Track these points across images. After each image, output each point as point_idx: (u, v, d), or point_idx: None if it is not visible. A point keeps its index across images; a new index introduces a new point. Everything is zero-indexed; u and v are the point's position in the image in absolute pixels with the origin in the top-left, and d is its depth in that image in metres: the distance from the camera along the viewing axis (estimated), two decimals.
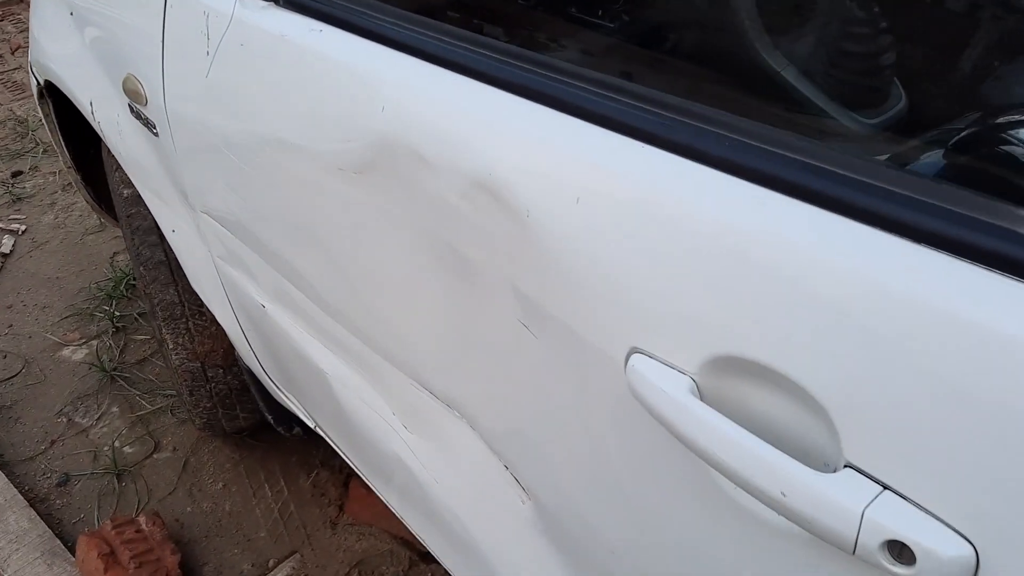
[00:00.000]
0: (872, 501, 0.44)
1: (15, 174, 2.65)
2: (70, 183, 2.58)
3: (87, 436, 1.81)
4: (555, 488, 0.77)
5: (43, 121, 1.78)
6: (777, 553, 0.52)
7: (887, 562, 0.44)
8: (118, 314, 2.10)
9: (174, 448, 1.78)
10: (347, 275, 0.91)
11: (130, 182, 1.43)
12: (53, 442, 1.80)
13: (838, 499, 0.45)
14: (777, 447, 0.49)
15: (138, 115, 1.18)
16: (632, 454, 0.62)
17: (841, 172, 0.49)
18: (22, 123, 2.89)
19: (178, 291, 1.43)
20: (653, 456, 0.60)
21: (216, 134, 0.98)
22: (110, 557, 1.46)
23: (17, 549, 1.54)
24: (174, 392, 1.88)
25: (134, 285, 2.18)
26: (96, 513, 1.65)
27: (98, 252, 2.32)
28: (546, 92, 0.62)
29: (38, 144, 2.78)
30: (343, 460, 1.69)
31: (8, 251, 2.32)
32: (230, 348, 1.47)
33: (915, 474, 0.44)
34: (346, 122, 0.78)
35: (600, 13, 0.75)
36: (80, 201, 2.51)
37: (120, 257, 2.30)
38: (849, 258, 0.46)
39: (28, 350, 2.02)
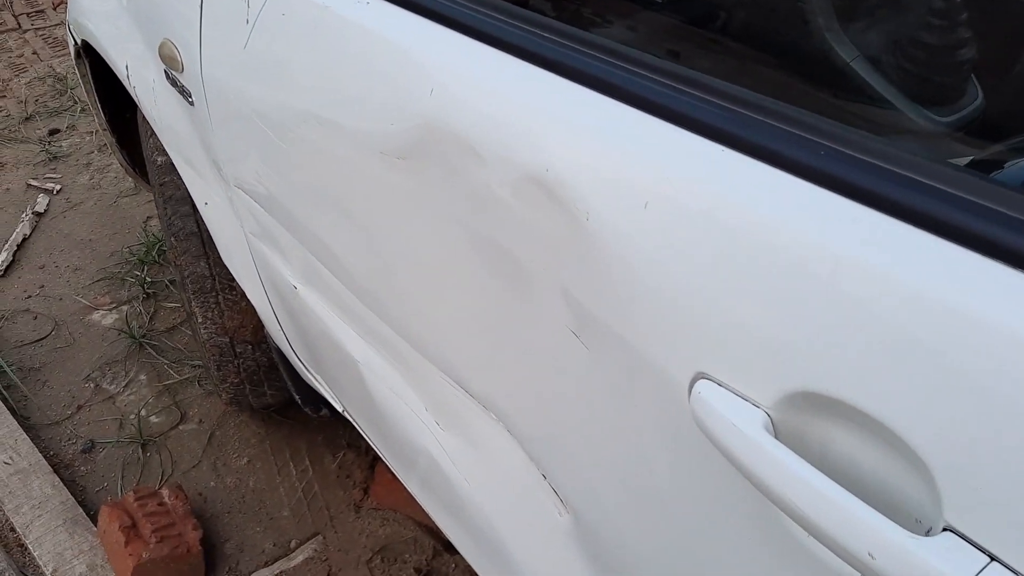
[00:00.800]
0: (979, 573, 0.39)
1: (52, 132, 2.63)
2: (106, 144, 2.55)
3: (114, 403, 1.79)
4: (597, 505, 0.72)
5: (80, 80, 1.75)
6: None
7: None
8: (149, 280, 2.07)
9: (200, 420, 1.76)
10: (382, 262, 0.86)
11: (164, 149, 1.39)
12: (80, 407, 1.78)
13: (939, 568, 0.40)
14: (862, 499, 0.43)
15: (174, 82, 1.13)
16: (688, 484, 0.57)
17: (959, 194, 0.42)
18: (61, 80, 2.87)
19: (209, 264, 1.39)
20: (713, 490, 0.54)
21: (253, 106, 0.93)
22: (131, 530, 1.43)
23: (40, 515, 1.52)
24: (202, 363, 1.85)
25: (166, 251, 2.15)
26: (120, 482, 1.64)
27: (132, 216, 2.30)
28: (617, 84, 0.56)
29: (76, 102, 2.76)
30: (369, 443, 1.66)
31: (43, 210, 2.30)
32: (260, 324, 1.43)
33: (960, 513, 0.39)
34: (390, 103, 0.72)
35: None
36: (115, 163, 2.48)
37: (153, 222, 2.27)
38: (965, 296, 0.40)
39: (58, 312, 2.00)
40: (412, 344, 0.90)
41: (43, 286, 2.08)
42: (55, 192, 2.37)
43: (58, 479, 1.59)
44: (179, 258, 1.40)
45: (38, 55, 3.02)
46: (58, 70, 2.93)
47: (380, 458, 1.60)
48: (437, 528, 1.52)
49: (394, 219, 0.79)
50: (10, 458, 1.62)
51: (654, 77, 0.56)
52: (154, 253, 2.14)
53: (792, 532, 0.49)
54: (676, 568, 0.63)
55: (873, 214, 0.45)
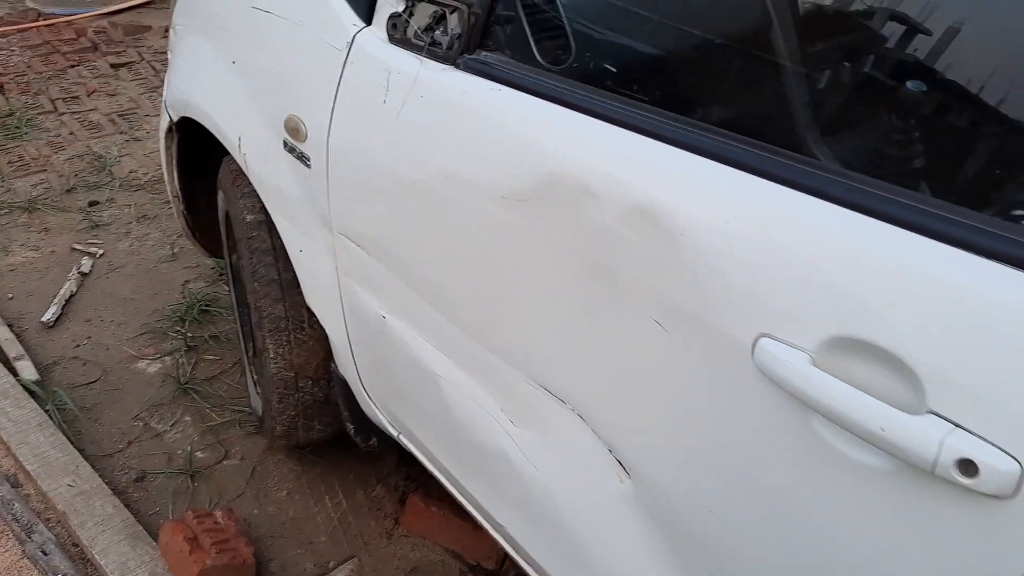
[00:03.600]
0: (949, 433, 0.64)
1: (91, 203, 2.85)
2: (145, 215, 2.79)
3: (161, 440, 1.97)
4: (656, 463, 0.95)
5: (162, 155, 2.00)
6: (870, 487, 0.71)
7: (958, 475, 0.63)
8: (190, 335, 2.27)
9: (242, 457, 1.94)
10: (485, 286, 1.11)
11: (254, 208, 1.64)
12: (130, 443, 1.96)
13: (925, 431, 0.65)
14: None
15: (292, 149, 1.39)
16: (739, 423, 0.82)
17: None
18: (99, 158, 3.11)
19: (285, 307, 1.62)
20: (763, 422, 0.79)
21: (380, 168, 1.20)
22: (193, 541, 1.61)
23: (103, 531, 1.69)
24: (243, 408, 2.05)
25: (206, 310, 2.37)
26: (171, 508, 1.81)
27: (171, 279, 2.51)
28: (685, 140, 0.84)
29: (114, 178, 3.00)
30: (398, 480, 1.86)
31: (87, 271, 2.50)
32: (322, 362, 1.66)
33: (978, 416, 0.64)
34: (516, 160, 0.99)
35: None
36: (154, 232, 2.72)
37: (191, 284, 2.49)
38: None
39: (106, 360, 2.19)
40: (500, 355, 1.14)
41: (90, 337, 2.27)
42: (98, 256, 2.58)
43: (118, 501, 1.76)
44: (259, 301, 1.63)
45: (75, 135, 3.27)
46: (95, 149, 3.18)
47: (412, 491, 1.81)
48: (464, 553, 1.72)
49: (506, 251, 1.05)
50: (73, 481, 1.79)
51: (711, 135, 0.84)
52: (195, 312, 2.35)
53: (825, 439, 0.74)
54: (734, 501, 0.86)
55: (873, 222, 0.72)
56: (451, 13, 1.11)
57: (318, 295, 1.50)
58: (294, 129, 1.37)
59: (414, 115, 1.13)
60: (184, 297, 2.43)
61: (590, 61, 1.09)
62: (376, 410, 1.53)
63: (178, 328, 2.30)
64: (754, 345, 0.77)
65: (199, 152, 1.97)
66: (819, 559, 0.79)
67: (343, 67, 1.25)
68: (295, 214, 1.46)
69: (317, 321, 1.61)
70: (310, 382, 1.68)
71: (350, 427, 1.66)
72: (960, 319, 0.65)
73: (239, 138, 1.53)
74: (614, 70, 1.07)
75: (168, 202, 2.78)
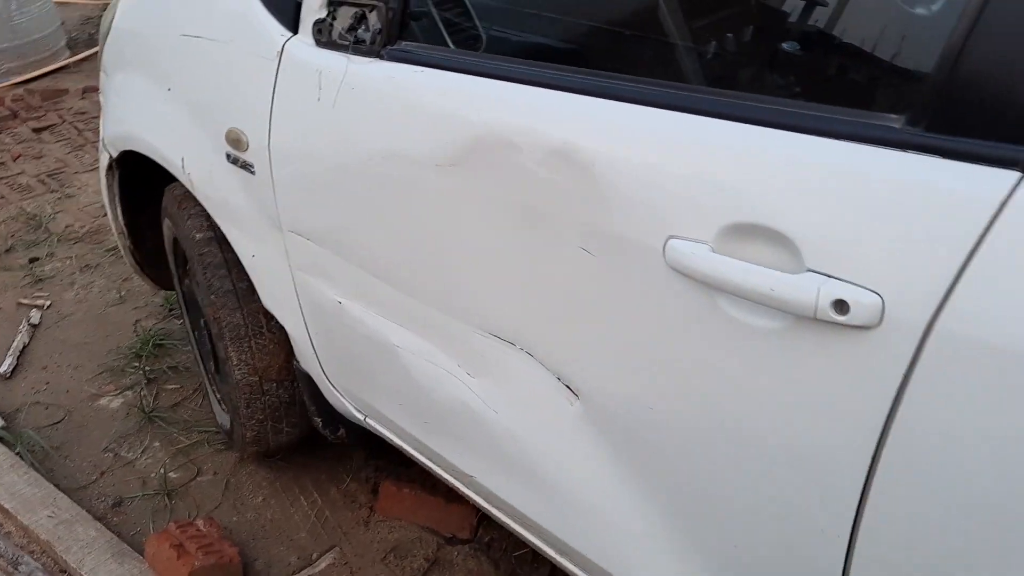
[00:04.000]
0: (823, 283, 0.78)
1: (32, 260, 2.89)
2: (87, 265, 2.84)
3: (133, 467, 2.03)
4: (599, 376, 1.08)
5: (104, 194, 2.08)
6: (768, 347, 0.85)
7: (834, 314, 0.77)
8: (148, 368, 2.34)
9: (215, 472, 2.02)
10: (431, 252, 1.23)
11: (202, 227, 1.74)
12: (103, 473, 2.02)
13: (805, 284, 0.79)
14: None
15: (235, 160, 1.50)
16: (662, 319, 0.95)
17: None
18: (33, 217, 3.15)
19: (243, 314, 1.71)
20: (679, 312, 0.92)
21: (322, 161, 1.31)
22: (180, 548, 1.68)
23: (89, 553, 1.74)
24: (209, 428, 2.12)
25: (160, 344, 2.43)
26: (151, 526, 1.87)
27: (121, 320, 2.57)
28: (584, 87, 0.99)
29: (51, 234, 3.04)
30: (368, 472, 1.95)
31: (37, 322, 2.55)
32: (283, 363, 1.75)
33: (845, 266, 0.78)
34: (444, 130, 1.12)
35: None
36: (98, 279, 2.77)
37: (142, 323, 2.55)
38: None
39: (67, 401, 2.24)
40: (451, 313, 1.26)
41: (48, 383, 2.32)
42: (46, 307, 2.63)
43: (100, 525, 1.82)
44: (218, 312, 1.72)
45: (6, 198, 3.30)
46: (28, 209, 3.21)
47: (383, 478, 1.90)
48: (439, 528, 1.82)
49: (443, 213, 1.17)
50: (52, 512, 1.84)
51: (608, 79, 0.99)
52: (149, 347, 2.41)
53: (727, 312, 0.87)
54: (660, 385, 0.99)
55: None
56: (370, 12, 1.24)
57: (275, 295, 1.60)
58: (235, 140, 1.47)
59: (348, 106, 1.25)
60: (137, 335, 2.49)
61: (495, 35, 1.23)
62: (341, 398, 1.63)
63: (135, 364, 2.36)
64: (664, 247, 0.91)
65: (140, 187, 2.06)
66: (738, 421, 0.92)
67: (276, 75, 1.37)
68: (244, 222, 1.56)
69: (275, 325, 1.71)
70: (274, 384, 1.77)
71: (318, 421, 1.76)
72: (821, 193, 0.80)
73: (182, 159, 1.63)
74: (517, 39, 1.21)
75: (110, 250, 2.86)
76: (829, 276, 0.79)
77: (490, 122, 1.07)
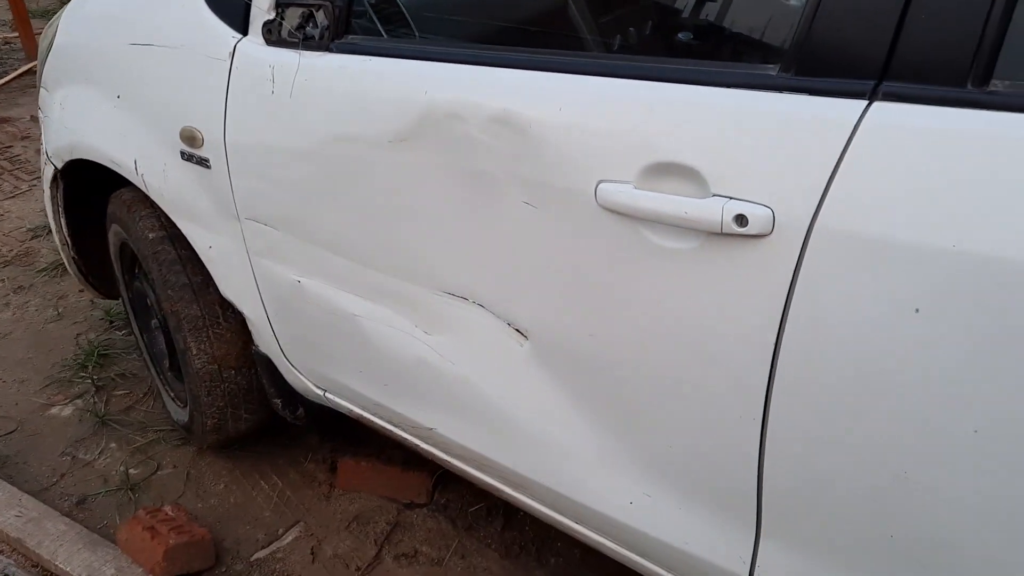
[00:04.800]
0: (726, 203, 0.96)
1: None
2: (20, 286, 2.87)
3: (92, 467, 2.10)
4: (543, 316, 1.24)
5: (47, 207, 2.15)
6: (684, 265, 1.03)
7: (736, 227, 0.96)
8: (96, 377, 2.40)
9: (174, 466, 2.10)
10: (386, 223, 1.37)
11: (154, 227, 1.84)
12: (63, 475, 2.08)
13: (712, 206, 0.97)
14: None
15: (190, 157, 1.61)
16: (595, 254, 1.12)
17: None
18: None
19: (199, 306, 1.82)
20: (609, 244, 1.09)
21: (278, 149, 1.45)
22: (152, 530, 1.77)
23: (61, 545, 1.81)
24: (164, 427, 2.20)
25: (105, 354, 2.50)
26: (118, 519, 1.94)
27: (62, 335, 2.62)
28: (517, 62, 1.16)
29: None
30: (324, 453, 2.07)
31: None
32: (241, 351, 1.86)
33: (741, 188, 0.97)
34: (393, 110, 1.27)
35: None
36: (33, 299, 2.80)
37: (83, 336, 2.60)
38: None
39: (17, 413, 2.29)
40: (408, 278, 1.40)
41: None
42: None
43: (68, 519, 1.88)
44: (175, 306, 1.82)
45: None
46: None
47: (341, 455, 2.01)
48: (397, 496, 1.95)
49: (397, 186, 1.32)
50: (19, 512, 1.90)
51: (535, 53, 1.16)
52: (94, 357, 2.47)
53: (650, 240, 1.05)
54: (601, 316, 1.16)
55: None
56: (317, 11, 1.38)
57: (233, 283, 1.71)
58: (190, 138, 1.59)
59: (302, 96, 1.39)
60: (80, 347, 2.54)
61: (432, 23, 1.40)
62: (300, 376, 1.75)
63: (82, 374, 2.42)
64: (596, 190, 1.08)
65: (82, 199, 2.14)
66: (663, 334, 1.10)
67: (229, 73, 1.50)
68: (200, 215, 1.68)
69: (231, 314, 1.83)
70: (233, 371, 1.88)
71: (277, 402, 1.87)
72: (718, 131, 0.98)
73: (135, 161, 1.73)
74: (453, 24, 1.38)
75: (41, 271, 2.91)
76: (730, 197, 0.97)
77: (435, 98, 1.23)
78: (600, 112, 1.08)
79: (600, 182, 1.08)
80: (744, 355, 1.03)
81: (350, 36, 1.37)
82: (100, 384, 2.38)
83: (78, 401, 2.33)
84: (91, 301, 2.79)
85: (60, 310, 2.74)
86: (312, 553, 1.83)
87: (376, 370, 1.56)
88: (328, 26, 1.37)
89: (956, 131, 0.85)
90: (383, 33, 1.39)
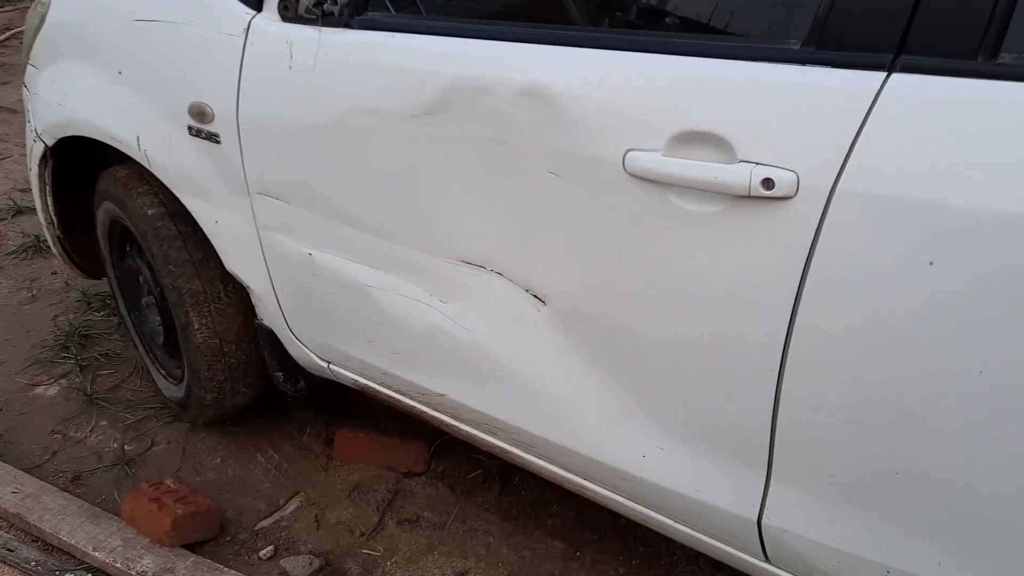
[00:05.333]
0: (754, 168, 1.05)
1: None
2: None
3: (85, 444, 2.11)
4: (564, 281, 1.31)
5: (34, 185, 2.14)
6: (711, 229, 1.11)
7: (764, 190, 1.04)
8: (80, 357, 2.39)
9: (168, 442, 2.12)
10: (405, 195, 1.42)
11: (153, 203, 1.86)
12: (55, 453, 2.08)
13: (740, 170, 1.05)
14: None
15: (198, 132, 1.64)
16: (621, 219, 1.19)
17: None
18: None
19: (201, 282, 1.84)
20: (636, 213, 1.17)
21: (296, 123, 1.48)
22: (158, 501, 1.79)
23: (63, 519, 1.82)
24: (154, 405, 2.21)
25: (86, 335, 2.49)
26: (116, 494, 1.95)
27: (38, 317, 2.60)
28: (546, 38, 1.22)
29: None
30: (319, 427, 2.11)
31: None
32: (241, 325, 1.89)
33: (768, 154, 1.05)
34: (418, 84, 1.33)
35: None
36: (4, 281, 2.77)
37: (60, 319, 2.59)
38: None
39: (1, 393, 2.27)
40: (425, 248, 1.45)
41: None
42: None
43: (68, 494, 1.89)
44: (176, 281, 1.84)
45: None
46: None
47: (337, 427, 2.06)
48: (395, 465, 2.01)
49: (419, 158, 1.37)
50: (15, 488, 1.90)
51: (564, 30, 1.23)
52: (75, 338, 2.46)
53: (676, 204, 1.13)
54: (624, 281, 1.23)
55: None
56: None
57: (239, 257, 1.74)
58: (199, 113, 1.62)
59: (323, 71, 1.43)
60: (58, 328, 2.52)
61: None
62: (304, 348, 1.79)
63: (64, 355, 2.41)
64: (624, 159, 1.15)
65: (68, 177, 2.14)
66: (685, 293, 1.18)
67: (243, 49, 1.53)
68: (206, 190, 1.70)
69: (232, 290, 1.86)
70: (233, 346, 1.90)
71: (278, 376, 1.91)
72: (746, 100, 1.06)
73: (137, 137, 1.75)
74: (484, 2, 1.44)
75: (10, 254, 2.88)
76: (757, 163, 1.05)
77: (461, 73, 1.28)
78: (629, 84, 1.15)
79: (629, 151, 1.15)
80: (765, 309, 1.11)
81: (370, 12, 1.42)
82: (84, 364, 2.37)
83: (63, 381, 2.32)
84: (66, 283, 2.77)
85: (34, 292, 2.71)
86: (316, 520, 1.87)
87: (387, 339, 1.61)
88: (348, 3, 1.42)
89: (967, 99, 0.94)
90: (404, 10, 1.44)
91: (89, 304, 2.65)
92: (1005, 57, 0.93)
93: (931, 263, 0.97)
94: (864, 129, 0.99)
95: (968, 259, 0.95)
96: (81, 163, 2.11)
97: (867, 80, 0.99)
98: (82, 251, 2.30)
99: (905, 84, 0.97)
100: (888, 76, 0.98)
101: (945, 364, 1.01)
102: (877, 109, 0.98)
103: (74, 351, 2.41)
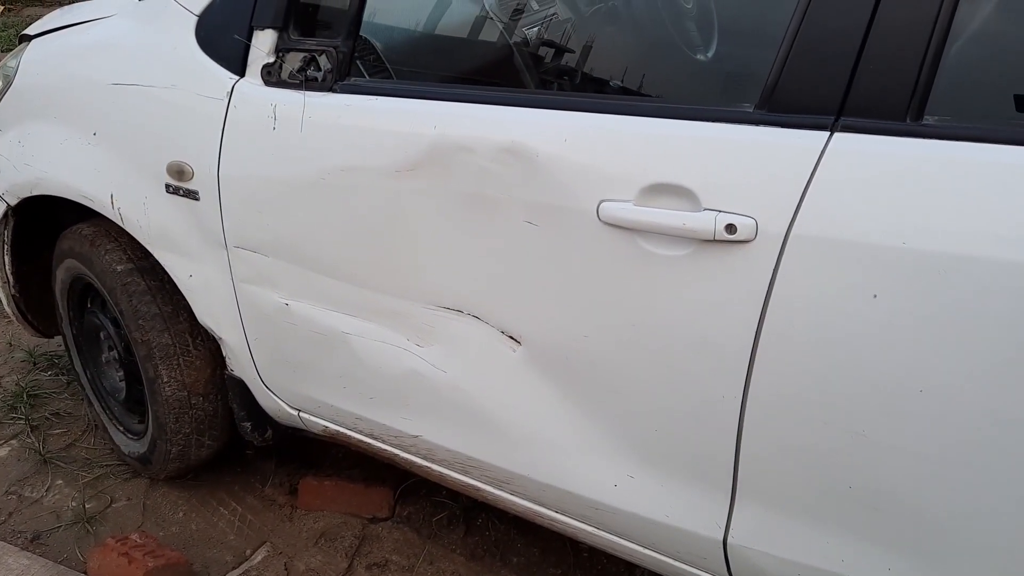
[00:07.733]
0: (717, 215, 1.18)
1: None
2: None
3: (42, 504, 2.09)
4: (539, 322, 1.42)
5: None
6: (678, 271, 1.24)
7: (727, 235, 1.17)
8: (30, 417, 2.37)
9: (128, 498, 2.12)
10: (385, 246, 1.52)
11: (122, 259, 1.90)
12: (11, 514, 2.06)
13: (705, 217, 1.18)
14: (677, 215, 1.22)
15: (176, 190, 1.70)
16: (594, 263, 1.31)
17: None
18: None
19: (171, 335, 1.89)
20: (608, 255, 1.29)
21: (278, 181, 1.57)
22: (127, 555, 1.79)
23: None
24: (111, 463, 2.21)
25: (35, 395, 2.46)
26: (78, 551, 1.94)
27: None
28: (526, 102, 1.35)
29: None
30: (282, 477, 2.15)
31: None
32: (209, 377, 1.93)
33: (729, 203, 1.19)
34: (402, 143, 1.43)
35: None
36: None
37: (7, 379, 2.56)
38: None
39: None
40: (403, 296, 1.54)
41: None
42: None
43: (30, 553, 1.88)
44: (146, 335, 1.88)
45: None
46: None
47: (302, 476, 2.09)
48: (360, 511, 2.06)
49: (400, 212, 1.47)
50: None
51: (526, 94, 1.36)
52: (24, 399, 2.44)
53: (646, 250, 1.25)
54: (595, 323, 1.35)
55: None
56: (320, 55, 1.53)
57: (213, 309, 1.80)
58: (178, 171, 1.68)
59: (309, 131, 1.52)
60: (4, 389, 2.49)
61: (435, 66, 1.57)
62: (275, 397, 1.84)
63: (12, 415, 2.38)
64: (598, 208, 1.28)
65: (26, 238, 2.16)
66: (654, 331, 1.30)
67: (226, 112, 1.61)
68: (182, 245, 1.76)
69: (202, 342, 1.90)
70: (201, 398, 1.94)
71: (246, 426, 1.94)
72: (708, 156, 1.20)
73: (111, 195, 1.80)
74: (460, 68, 1.56)
75: None
76: (720, 211, 1.19)
77: (445, 132, 1.40)
78: (604, 142, 1.28)
79: (602, 201, 1.27)
80: (729, 342, 1.24)
81: (353, 77, 1.53)
82: (35, 424, 2.35)
83: (13, 442, 2.29)
84: (9, 343, 2.73)
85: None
86: (286, 568, 1.90)
87: (362, 384, 1.68)
88: (332, 69, 1.52)
89: (900, 154, 1.10)
90: (374, 75, 1.55)
91: (35, 364, 2.62)
92: (929, 119, 1.10)
93: (875, 296, 1.11)
94: (812, 181, 1.13)
95: (907, 292, 1.10)
96: (40, 224, 2.14)
97: (813, 139, 1.14)
98: (36, 310, 2.30)
99: (846, 142, 1.13)
100: (831, 135, 1.13)
101: (888, 386, 1.14)
102: (823, 164, 1.13)
103: (24, 411, 2.39)
